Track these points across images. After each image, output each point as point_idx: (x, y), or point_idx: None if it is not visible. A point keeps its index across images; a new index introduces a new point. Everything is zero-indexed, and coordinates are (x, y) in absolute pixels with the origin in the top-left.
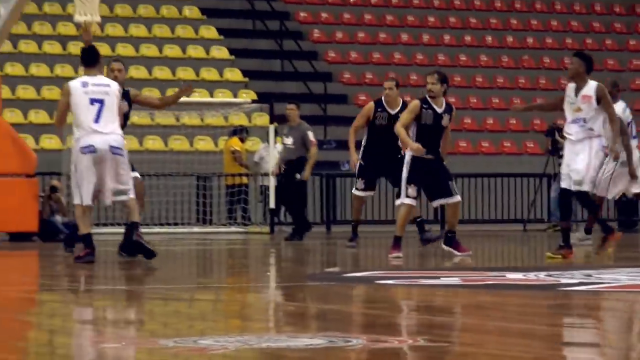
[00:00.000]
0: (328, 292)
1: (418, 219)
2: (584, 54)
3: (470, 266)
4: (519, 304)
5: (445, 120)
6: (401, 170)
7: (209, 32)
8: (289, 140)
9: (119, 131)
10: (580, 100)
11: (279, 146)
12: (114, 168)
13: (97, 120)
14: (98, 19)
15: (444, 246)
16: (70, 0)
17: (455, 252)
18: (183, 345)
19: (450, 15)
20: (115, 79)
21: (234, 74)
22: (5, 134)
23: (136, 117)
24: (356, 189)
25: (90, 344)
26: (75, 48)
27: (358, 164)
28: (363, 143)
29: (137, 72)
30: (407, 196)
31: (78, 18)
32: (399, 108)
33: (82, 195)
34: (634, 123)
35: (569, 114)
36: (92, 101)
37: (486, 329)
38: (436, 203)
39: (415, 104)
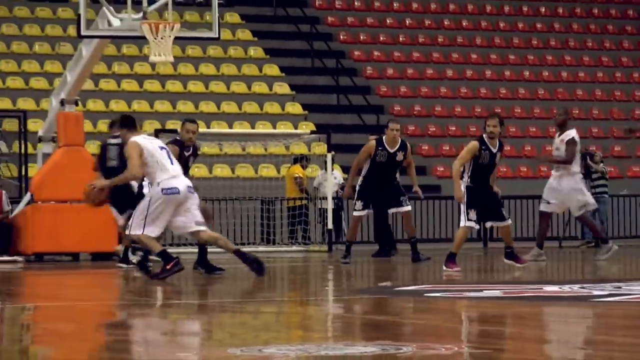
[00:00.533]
0: (381, 304)
1: (413, 239)
2: None
3: (511, 280)
4: (555, 314)
5: (497, 158)
6: (394, 193)
7: (272, 70)
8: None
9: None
10: None
11: (336, 172)
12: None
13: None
14: (171, 58)
15: (506, 260)
16: (146, 42)
17: (516, 264)
18: (249, 353)
19: (491, 53)
20: (190, 139)
21: (294, 108)
22: (88, 164)
23: (206, 147)
24: (355, 209)
25: (165, 353)
26: (151, 86)
27: (357, 189)
28: (363, 173)
29: (207, 106)
30: (469, 219)
31: (153, 58)
32: (397, 147)
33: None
34: None
35: None
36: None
37: (525, 336)
38: (488, 224)
39: (474, 145)
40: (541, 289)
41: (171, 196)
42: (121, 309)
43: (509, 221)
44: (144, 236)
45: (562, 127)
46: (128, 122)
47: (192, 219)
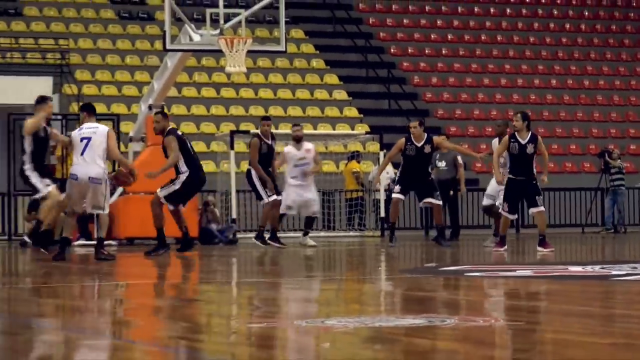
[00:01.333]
0: (428, 282)
1: (439, 226)
2: None
3: (541, 261)
4: (579, 291)
5: (529, 149)
6: (428, 188)
7: (331, 79)
8: (442, 164)
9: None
10: None
11: (388, 168)
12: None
13: None
14: (244, 69)
15: (538, 247)
16: (223, 55)
17: (542, 249)
18: (313, 324)
19: (522, 64)
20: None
21: (351, 112)
22: None
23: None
24: (393, 192)
25: (241, 324)
26: (226, 93)
27: (397, 176)
28: (400, 168)
29: (275, 111)
30: (502, 210)
31: (228, 69)
32: (423, 141)
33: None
34: None
35: None
36: None
37: (552, 310)
38: (530, 212)
39: (505, 139)
40: (567, 269)
41: (73, 181)
42: (200, 286)
43: (542, 208)
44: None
45: (501, 137)
46: (88, 107)
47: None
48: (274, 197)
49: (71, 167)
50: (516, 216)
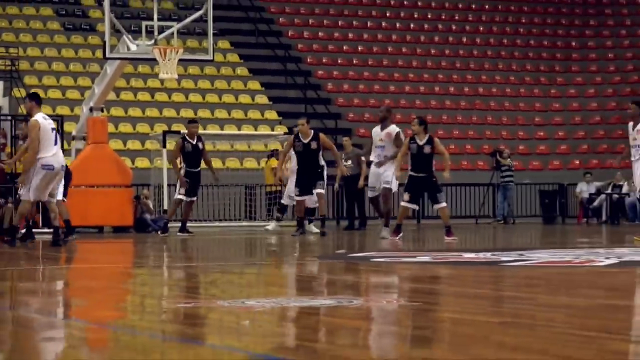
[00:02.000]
0: (336, 267)
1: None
2: (638, 102)
3: (439, 248)
4: (472, 275)
5: (427, 150)
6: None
7: (254, 85)
8: (348, 162)
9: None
10: (636, 133)
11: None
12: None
13: None
14: (175, 76)
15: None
16: (156, 63)
17: (448, 238)
18: (234, 305)
19: (439, 73)
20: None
21: (271, 114)
22: (110, 157)
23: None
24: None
25: (169, 304)
26: (160, 96)
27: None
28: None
29: (203, 113)
30: (403, 200)
31: (162, 75)
32: (310, 138)
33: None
34: None
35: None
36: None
37: (447, 292)
38: (434, 207)
39: (407, 141)
40: (461, 255)
41: (48, 171)
42: (135, 270)
43: (444, 204)
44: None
45: (384, 122)
46: (35, 96)
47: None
48: (182, 197)
49: (44, 158)
50: (416, 207)
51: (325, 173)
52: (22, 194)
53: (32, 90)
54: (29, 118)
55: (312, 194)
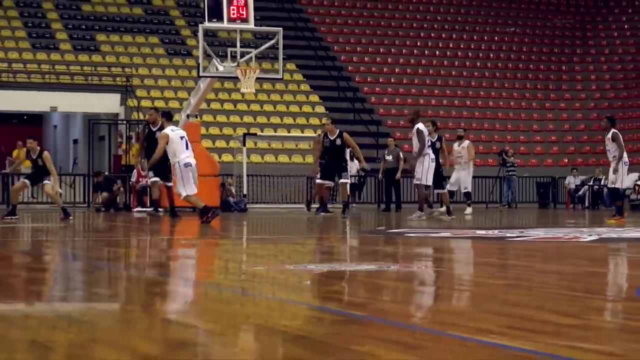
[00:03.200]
0: (378, 240)
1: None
2: (610, 117)
3: (456, 226)
4: (483, 247)
5: (338, 142)
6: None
7: (314, 97)
8: (389, 157)
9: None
10: (607, 141)
11: (352, 164)
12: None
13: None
14: (253, 90)
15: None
16: (238, 80)
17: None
18: (298, 268)
19: (458, 90)
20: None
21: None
22: (202, 153)
23: (273, 145)
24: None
25: (247, 267)
26: (241, 106)
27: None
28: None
29: (274, 119)
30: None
31: (243, 90)
32: (335, 135)
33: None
34: None
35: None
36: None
37: (463, 260)
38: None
39: (319, 137)
40: (475, 232)
41: (188, 167)
42: (221, 241)
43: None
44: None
45: (413, 123)
46: (167, 114)
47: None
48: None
49: (182, 159)
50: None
51: (348, 166)
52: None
53: (142, 101)
54: (149, 126)
55: (333, 181)
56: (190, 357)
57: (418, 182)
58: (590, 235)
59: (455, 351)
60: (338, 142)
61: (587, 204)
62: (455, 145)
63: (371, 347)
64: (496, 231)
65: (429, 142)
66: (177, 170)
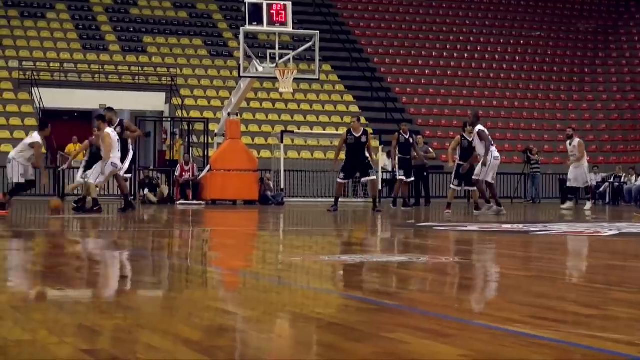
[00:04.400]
0: (408, 233)
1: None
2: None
3: (483, 221)
4: (508, 241)
5: (364, 139)
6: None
7: (348, 97)
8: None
9: None
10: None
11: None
12: None
13: None
14: (291, 90)
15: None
16: (277, 80)
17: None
18: (332, 259)
19: (485, 90)
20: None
21: (361, 119)
22: (242, 149)
23: (310, 142)
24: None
25: (284, 257)
26: (279, 105)
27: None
28: (458, 158)
29: (311, 117)
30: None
31: (281, 90)
32: (360, 133)
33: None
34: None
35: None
36: None
37: (490, 252)
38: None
39: (344, 134)
40: (501, 226)
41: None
42: (259, 232)
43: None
44: None
45: (474, 125)
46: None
47: None
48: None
49: (114, 157)
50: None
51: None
52: None
53: (186, 100)
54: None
55: (352, 178)
56: (229, 342)
57: (477, 178)
58: (611, 230)
59: (482, 339)
60: (363, 139)
61: (607, 200)
62: (567, 144)
63: (401, 334)
64: (521, 225)
65: (488, 141)
66: (106, 164)
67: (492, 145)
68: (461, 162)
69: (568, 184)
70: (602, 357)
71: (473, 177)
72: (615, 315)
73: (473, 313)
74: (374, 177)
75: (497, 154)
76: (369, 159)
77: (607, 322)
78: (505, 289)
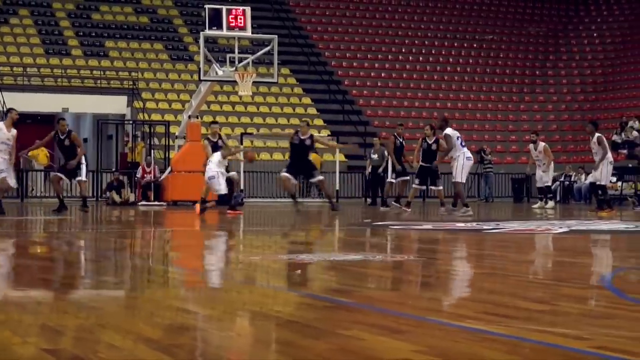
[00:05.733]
0: (364, 232)
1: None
2: (593, 122)
3: (437, 220)
4: (462, 239)
5: (308, 142)
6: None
7: (306, 100)
8: (374, 156)
9: None
10: (592, 144)
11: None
12: None
13: None
14: (250, 93)
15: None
16: (236, 84)
17: (441, 209)
18: (290, 259)
19: (448, 93)
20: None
21: (319, 121)
22: (203, 151)
23: (268, 143)
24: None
25: (243, 257)
26: (239, 108)
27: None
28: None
29: (270, 120)
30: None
31: (240, 93)
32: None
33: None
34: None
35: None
36: None
37: (444, 251)
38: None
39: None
40: (454, 224)
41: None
42: (219, 232)
43: (321, 177)
44: None
45: (442, 129)
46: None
47: None
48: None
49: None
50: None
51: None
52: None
53: (147, 103)
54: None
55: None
56: (190, 341)
57: (454, 180)
58: (561, 227)
59: (435, 335)
60: (307, 142)
61: (557, 199)
62: (532, 147)
63: (357, 331)
64: (474, 224)
65: (457, 141)
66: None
67: (464, 146)
68: (424, 164)
69: (538, 185)
70: (551, 351)
71: (453, 180)
72: (565, 310)
73: (427, 310)
74: (321, 178)
75: (470, 155)
76: (313, 162)
77: (556, 317)
78: (459, 286)
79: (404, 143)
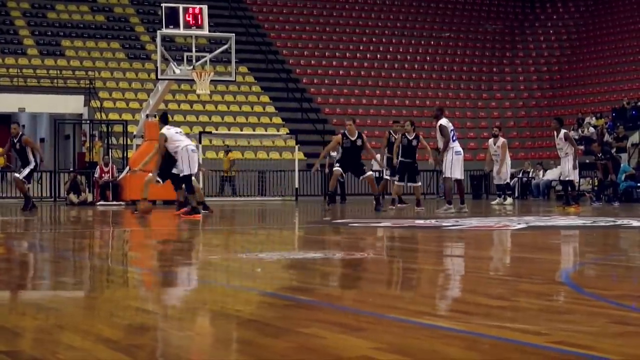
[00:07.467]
0: (324, 230)
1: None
2: (558, 118)
3: (396, 217)
4: (421, 236)
5: (359, 142)
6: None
7: (265, 98)
8: (334, 154)
9: None
10: (558, 140)
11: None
12: None
13: None
14: (208, 91)
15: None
16: (194, 82)
17: (417, 208)
18: (250, 257)
19: (423, 91)
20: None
21: (277, 119)
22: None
23: (228, 142)
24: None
25: (203, 256)
26: (197, 106)
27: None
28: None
29: (227, 118)
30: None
31: (198, 91)
32: (413, 136)
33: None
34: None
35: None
36: None
37: (404, 248)
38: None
39: (337, 137)
40: (414, 222)
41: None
42: (179, 232)
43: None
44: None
45: (438, 118)
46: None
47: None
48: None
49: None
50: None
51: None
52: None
53: (105, 102)
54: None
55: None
56: (150, 341)
57: (444, 176)
58: (519, 223)
59: (394, 332)
60: (359, 142)
61: (516, 195)
62: (491, 142)
63: (316, 329)
64: (433, 220)
65: (407, 140)
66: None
67: (455, 140)
68: (404, 160)
69: (496, 182)
70: (510, 347)
71: (443, 176)
72: (524, 306)
73: (387, 307)
74: (370, 174)
75: (460, 149)
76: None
77: (515, 313)
78: (418, 282)
79: (410, 140)
